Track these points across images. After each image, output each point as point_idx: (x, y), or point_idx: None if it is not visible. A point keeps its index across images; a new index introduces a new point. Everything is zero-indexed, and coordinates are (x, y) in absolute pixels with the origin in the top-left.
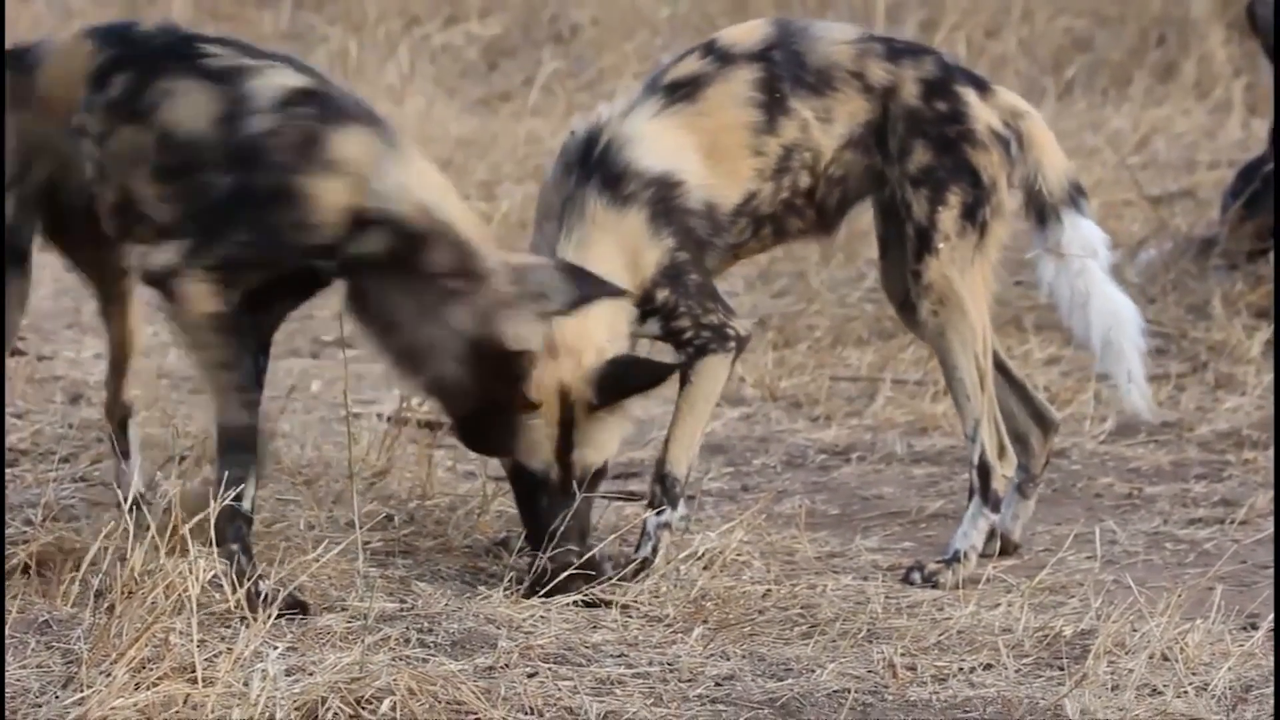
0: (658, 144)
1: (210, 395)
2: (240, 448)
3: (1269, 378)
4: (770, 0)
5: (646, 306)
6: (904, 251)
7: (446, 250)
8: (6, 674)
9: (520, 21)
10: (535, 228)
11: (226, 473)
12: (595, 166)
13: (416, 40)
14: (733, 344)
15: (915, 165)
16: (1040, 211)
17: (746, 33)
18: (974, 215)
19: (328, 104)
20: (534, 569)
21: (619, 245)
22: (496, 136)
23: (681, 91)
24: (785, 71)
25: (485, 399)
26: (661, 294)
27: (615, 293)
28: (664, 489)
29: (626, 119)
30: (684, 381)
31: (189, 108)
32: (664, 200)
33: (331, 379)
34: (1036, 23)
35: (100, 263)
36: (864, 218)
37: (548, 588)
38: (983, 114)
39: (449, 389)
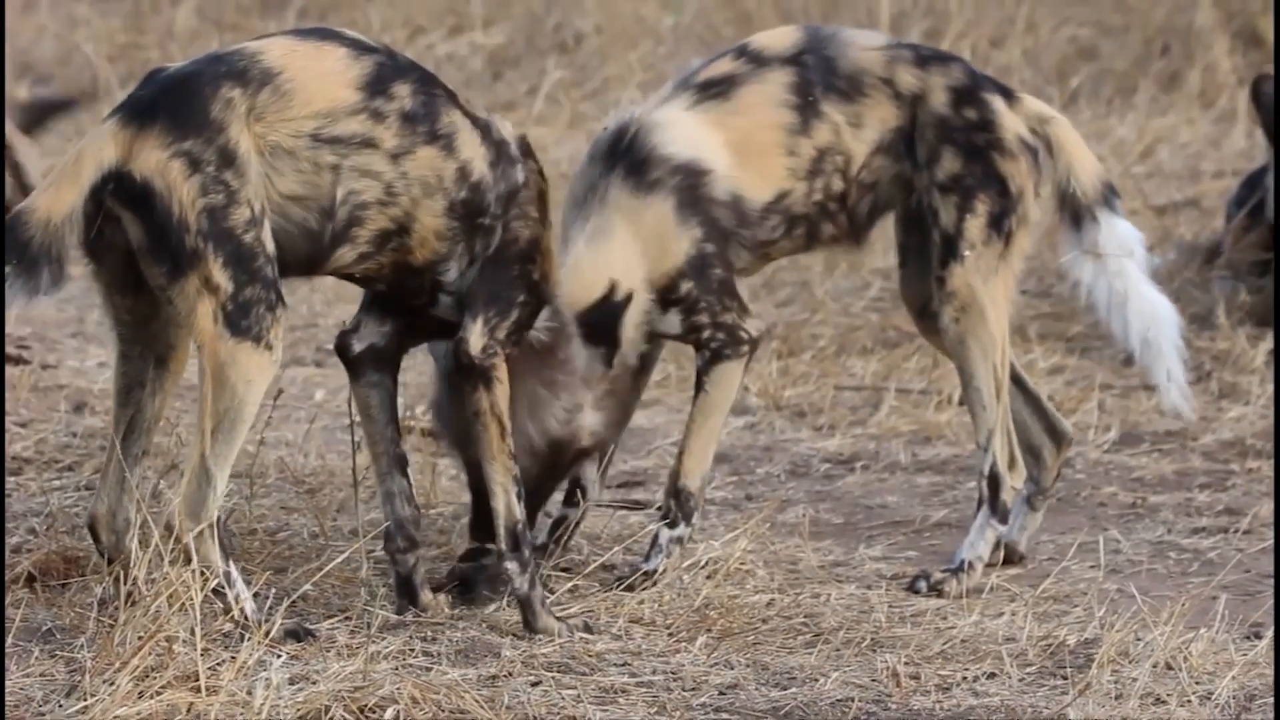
0: (684, 133)
1: (499, 488)
2: (527, 541)
3: (1273, 387)
4: (774, 10)
5: (671, 296)
6: (927, 259)
7: (564, 345)
8: (10, 683)
9: (524, 31)
10: (563, 225)
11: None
12: (621, 154)
13: (421, 50)
14: (745, 347)
15: (944, 172)
16: (1075, 213)
17: (778, 38)
18: (1000, 224)
19: (536, 158)
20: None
21: (639, 233)
22: None
23: (714, 90)
24: (817, 76)
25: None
26: (686, 285)
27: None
28: (679, 503)
29: (655, 110)
30: (699, 389)
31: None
32: (691, 189)
33: (335, 388)
34: (1041, 32)
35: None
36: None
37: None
38: (1011, 122)
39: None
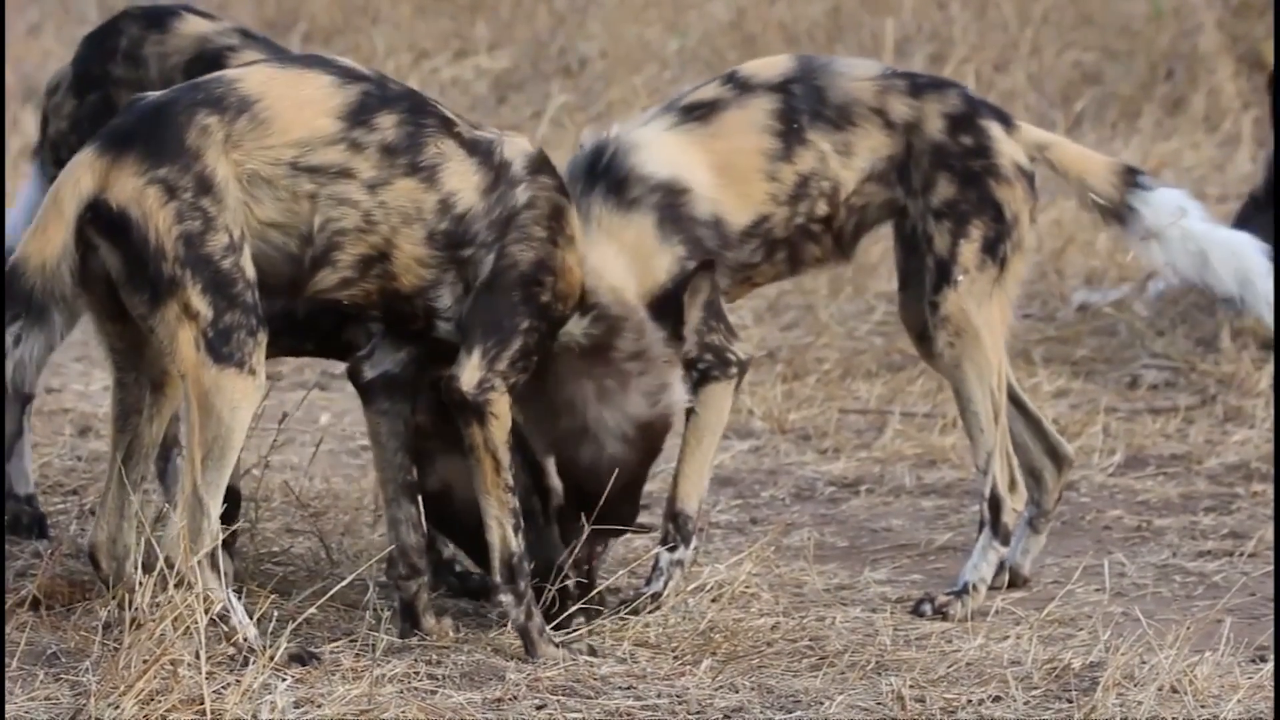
0: (663, 152)
1: (494, 522)
2: (523, 573)
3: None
4: (779, 35)
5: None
6: (924, 283)
7: (631, 335)
8: (15, 707)
9: (529, 55)
10: None
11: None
12: (601, 174)
13: (426, 74)
14: (734, 369)
15: (939, 198)
16: (1113, 214)
17: (768, 66)
18: (995, 250)
19: (556, 174)
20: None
21: (623, 249)
22: None
23: (697, 113)
24: (804, 105)
25: (634, 474)
26: None
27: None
28: (677, 526)
29: (634, 130)
30: (689, 412)
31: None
32: (671, 206)
33: (340, 411)
34: (1045, 56)
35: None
36: (873, 250)
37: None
38: (1008, 148)
39: (604, 468)
